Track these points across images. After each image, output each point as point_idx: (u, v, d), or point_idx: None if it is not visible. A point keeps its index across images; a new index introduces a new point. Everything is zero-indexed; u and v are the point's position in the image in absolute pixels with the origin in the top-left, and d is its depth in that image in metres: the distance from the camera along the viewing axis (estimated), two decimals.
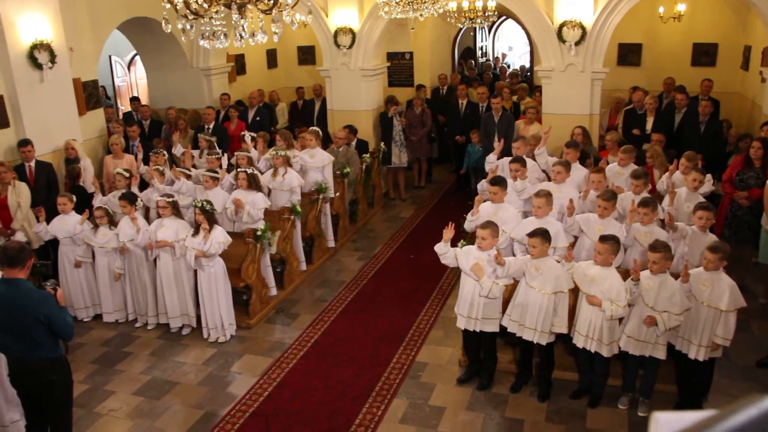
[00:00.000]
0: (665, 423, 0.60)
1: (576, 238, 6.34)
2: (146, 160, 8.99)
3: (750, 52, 11.02)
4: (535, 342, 5.50)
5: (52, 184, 8.24)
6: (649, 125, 9.52)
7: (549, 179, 7.46)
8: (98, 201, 7.69)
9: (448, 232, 5.60)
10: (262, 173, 8.34)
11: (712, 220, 5.78)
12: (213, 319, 6.89)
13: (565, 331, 5.47)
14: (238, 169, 7.78)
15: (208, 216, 6.70)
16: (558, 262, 5.49)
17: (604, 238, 5.29)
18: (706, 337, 5.12)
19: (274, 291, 7.78)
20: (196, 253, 6.62)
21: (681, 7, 11.46)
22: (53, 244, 7.51)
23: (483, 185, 7.09)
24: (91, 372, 6.46)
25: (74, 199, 7.35)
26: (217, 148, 9.14)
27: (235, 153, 8.70)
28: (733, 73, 11.60)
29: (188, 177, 8.13)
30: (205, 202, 6.80)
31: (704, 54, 12.03)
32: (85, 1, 9.43)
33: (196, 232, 6.74)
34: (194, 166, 8.93)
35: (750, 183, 7.19)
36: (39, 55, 8.20)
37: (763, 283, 7.37)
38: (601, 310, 5.18)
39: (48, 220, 7.23)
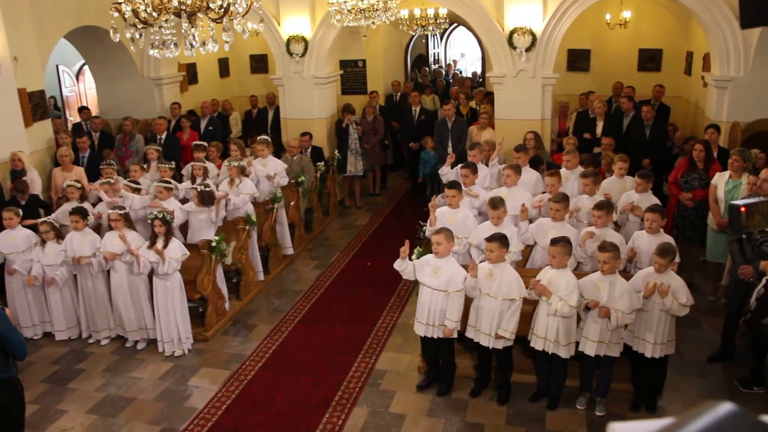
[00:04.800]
0: None
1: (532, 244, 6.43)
2: (96, 175, 8.72)
3: (692, 57, 11.38)
4: (491, 347, 5.55)
5: None
6: (599, 129, 9.74)
7: None
8: (52, 218, 7.43)
9: (405, 250, 5.63)
10: (218, 187, 8.21)
11: (659, 221, 5.84)
12: (169, 332, 6.75)
13: (508, 335, 5.44)
14: (191, 186, 7.63)
15: (169, 227, 6.59)
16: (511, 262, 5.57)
17: (554, 241, 5.37)
18: (660, 334, 5.25)
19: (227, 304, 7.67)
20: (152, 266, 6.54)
21: (627, 14, 11.77)
22: None
23: (440, 200, 7.11)
24: (41, 391, 6.25)
25: (20, 213, 7.09)
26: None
27: (191, 164, 8.54)
28: (677, 78, 11.96)
29: (137, 191, 7.89)
30: (165, 213, 6.69)
31: (649, 59, 12.39)
32: (30, 9, 9.16)
33: (152, 244, 6.60)
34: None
35: (694, 184, 7.41)
36: None
37: (711, 281, 7.58)
38: (548, 303, 5.25)
39: None
